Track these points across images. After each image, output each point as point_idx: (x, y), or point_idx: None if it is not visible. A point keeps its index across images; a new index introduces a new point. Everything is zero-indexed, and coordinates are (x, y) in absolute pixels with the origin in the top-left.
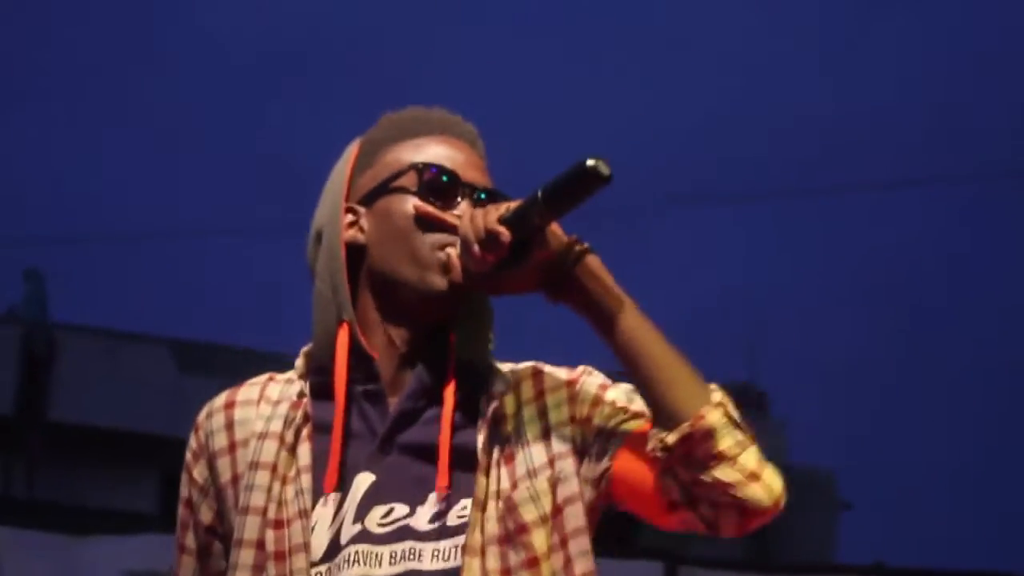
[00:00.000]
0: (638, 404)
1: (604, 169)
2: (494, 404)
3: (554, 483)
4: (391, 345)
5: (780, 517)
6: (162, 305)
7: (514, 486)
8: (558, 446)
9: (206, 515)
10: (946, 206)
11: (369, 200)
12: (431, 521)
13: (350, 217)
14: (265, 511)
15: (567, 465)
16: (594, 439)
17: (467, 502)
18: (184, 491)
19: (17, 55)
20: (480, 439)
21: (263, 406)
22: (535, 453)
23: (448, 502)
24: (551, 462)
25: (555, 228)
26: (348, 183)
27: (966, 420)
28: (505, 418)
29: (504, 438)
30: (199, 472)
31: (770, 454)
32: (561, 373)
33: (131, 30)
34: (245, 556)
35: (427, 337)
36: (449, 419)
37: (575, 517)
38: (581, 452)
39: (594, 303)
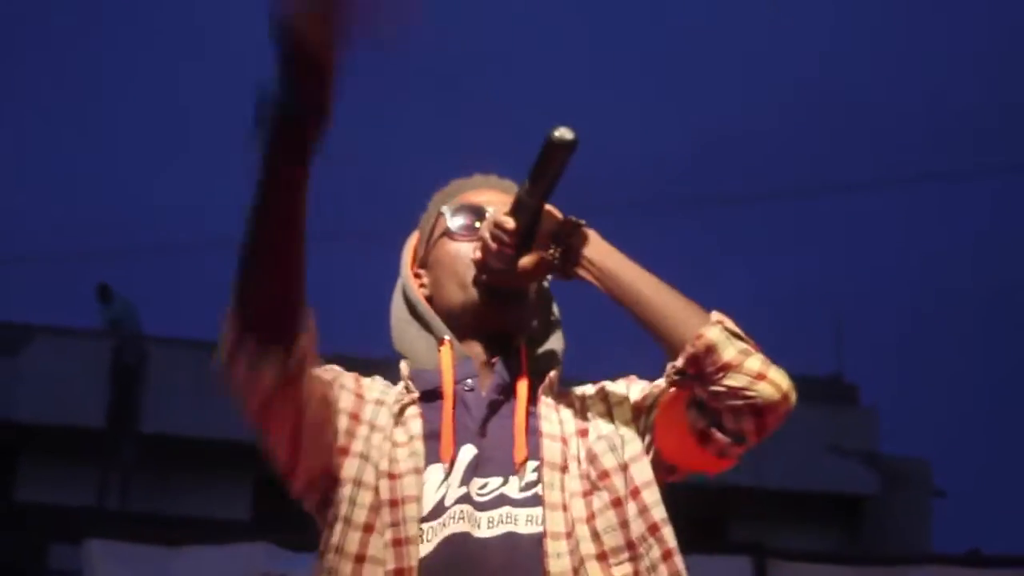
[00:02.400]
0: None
1: (568, 135)
2: (562, 393)
3: (621, 439)
4: (474, 357)
5: (874, 506)
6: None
7: (590, 448)
8: (619, 417)
9: (342, 396)
10: None
11: (425, 260)
12: (523, 490)
13: (418, 280)
14: (377, 464)
15: (628, 431)
16: (642, 416)
17: (550, 470)
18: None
19: (107, 75)
20: (554, 417)
21: (379, 384)
22: (602, 424)
23: (538, 474)
24: (615, 428)
25: (552, 210)
26: (413, 257)
27: None
28: (573, 404)
29: (574, 417)
30: (342, 383)
31: (862, 444)
32: (618, 380)
33: (191, 45)
34: (364, 496)
35: (501, 346)
36: (523, 405)
37: (641, 472)
38: (635, 424)
39: (596, 269)
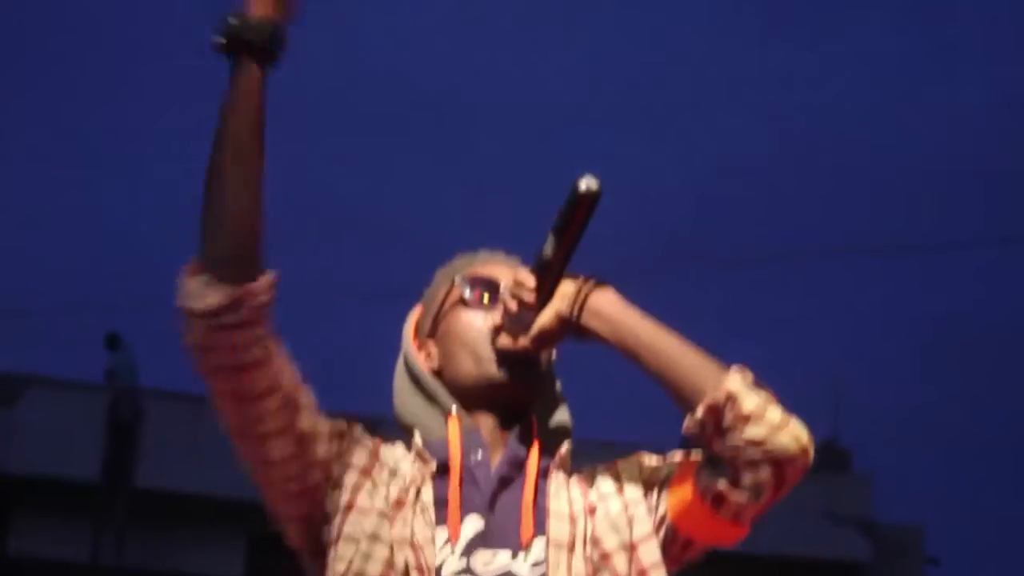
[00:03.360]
0: (681, 456)
1: (594, 184)
2: (573, 469)
3: (630, 520)
4: (483, 430)
5: (869, 573)
6: None
7: (594, 528)
8: (630, 495)
9: (331, 451)
10: None
11: (432, 330)
12: (534, 566)
13: (423, 352)
14: (393, 524)
15: (639, 509)
16: (654, 492)
17: (556, 550)
18: (356, 431)
19: (120, 128)
20: (564, 495)
21: (397, 449)
22: (612, 502)
23: (546, 552)
24: (625, 508)
25: (570, 273)
26: (416, 331)
27: None
28: (584, 480)
29: (584, 493)
30: (355, 433)
31: (856, 511)
32: (631, 454)
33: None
34: (380, 551)
35: (511, 422)
36: (533, 480)
37: (649, 553)
38: (647, 501)
39: (614, 325)
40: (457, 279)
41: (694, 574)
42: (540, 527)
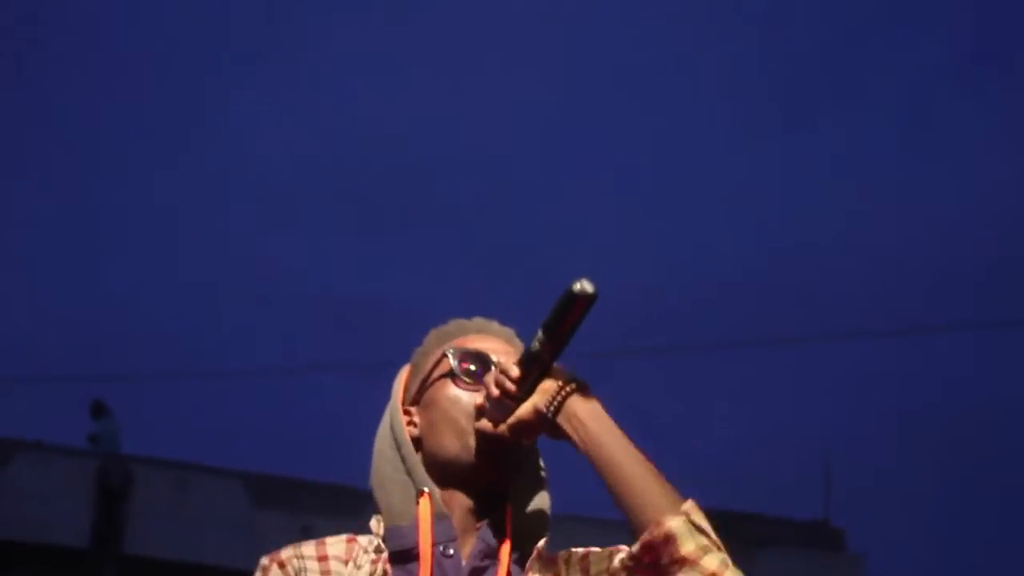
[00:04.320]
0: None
1: (589, 288)
2: (546, 560)
3: None
4: (456, 512)
5: None
6: (235, 438)
7: None
8: None
9: None
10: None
11: (418, 397)
12: None
13: (407, 418)
14: None
15: None
16: None
17: None
18: None
19: (119, 201)
20: None
21: (351, 567)
22: None
23: None
24: None
25: (557, 366)
26: (404, 392)
27: None
28: (558, 573)
29: None
30: None
31: None
32: (604, 549)
33: (210, 167)
34: None
35: (488, 505)
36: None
37: None
38: None
39: (584, 431)
40: (449, 351)
41: None
42: None
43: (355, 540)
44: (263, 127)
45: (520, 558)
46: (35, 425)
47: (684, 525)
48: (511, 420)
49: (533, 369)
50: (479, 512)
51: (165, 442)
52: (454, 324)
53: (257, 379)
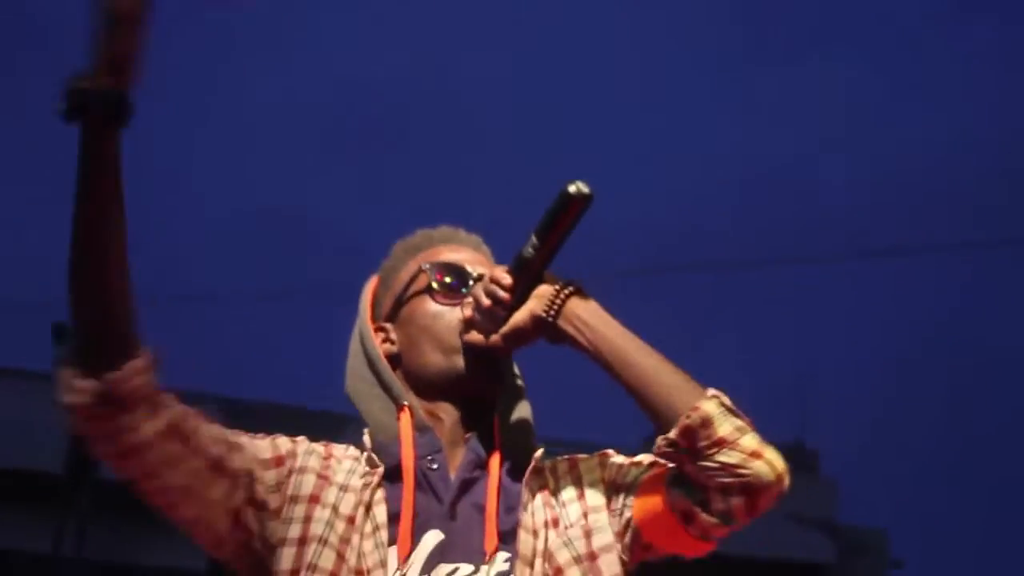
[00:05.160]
0: (651, 461)
1: (584, 189)
2: (535, 474)
3: (587, 531)
4: (442, 424)
5: (833, 574)
6: (211, 363)
7: (550, 544)
8: (592, 501)
9: (272, 479)
10: (1004, 268)
11: (393, 314)
12: None
13: (381, 335)
14: (344, 557)
15: (601, 518)
16: (619, 495)
17: (521, 565)
18: (287, 445)
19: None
20: (524, 504)
21: (346, 462)
22: (572, 510)
23: (510, 565)
24: (585, 515)
25: (549, 273)
26: (371, 308)
27: (1018, 480)
28: (547, 486)
29: (546, 502)
30: (299, 458)
31: (820, 513)
32: (593, 454)
33: (192, 100)
34: None
35: (474, 417)
36: (495, 489)
37: (610, 565)
38: (610, 507)
39: (591, 333)
40: (424, 266)
41: (657, 574)
42: (504, 538)
43: (362, 448)
44: (248, 73)
45: (511, 469)
46: (5, 351)
47: (718, 408)
48: (506, 329)
49: (525, 276)
50: (466, 424)
51: None
52: (420, 235)
53: (235, 303)
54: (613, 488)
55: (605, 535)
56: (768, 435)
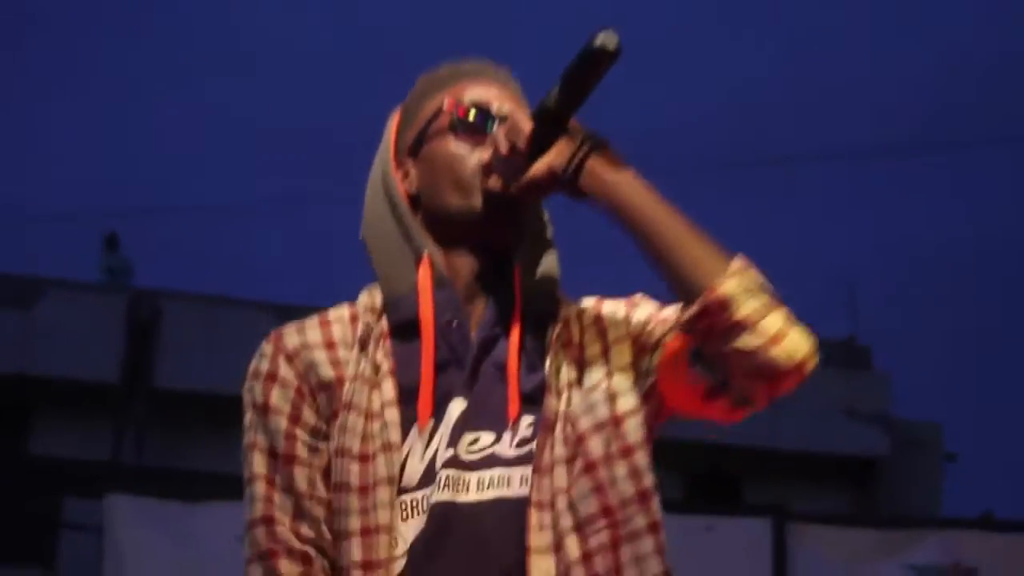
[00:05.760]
0: (676, 319)
1: (611, 43)
2: (559, 329)
3: (611, 395)
4: (460, 276)
5: (887, 469)
6: (262, 269)
7: (573, 407)
8: (616, 360)
9: (311, 418)
10: None
11: (414, 151)
12: (518, 446)
13: (400, 171)
14: (349, 444)
15: (624, 379)
16: (645, 356)
17: (544, 430)
18: (281, 404)
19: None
20: (548, 363)
21: (356, 351)
22: (595, 371)
23: (534, 428)
24: (609, 375)
25: (575, 123)
26: (395, 144)
27: None
28: (571, 342)
29: (571, 360)
30: (304, 388)
31: (874, 407)
32: (620, 300)
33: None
34: (338, 499)
35: (494, 268)
36: (516, 348)
37: (635, 430)
38: (635, 368)
39: (610, 188)
40: (446, 104)
41: (719, 468)
42: (528, 400)
43: (356, 312)
44: None
45: (534, 323)
46: (58, 263)
47: (739, 286)
48: (523, 180)
49: (546, 125)
50: (485, 275)
51: (193, 275)
52: (446, 68)
53: (278, 210)
54: (639, 347)
55: (629, 398)
56: (820, 331)
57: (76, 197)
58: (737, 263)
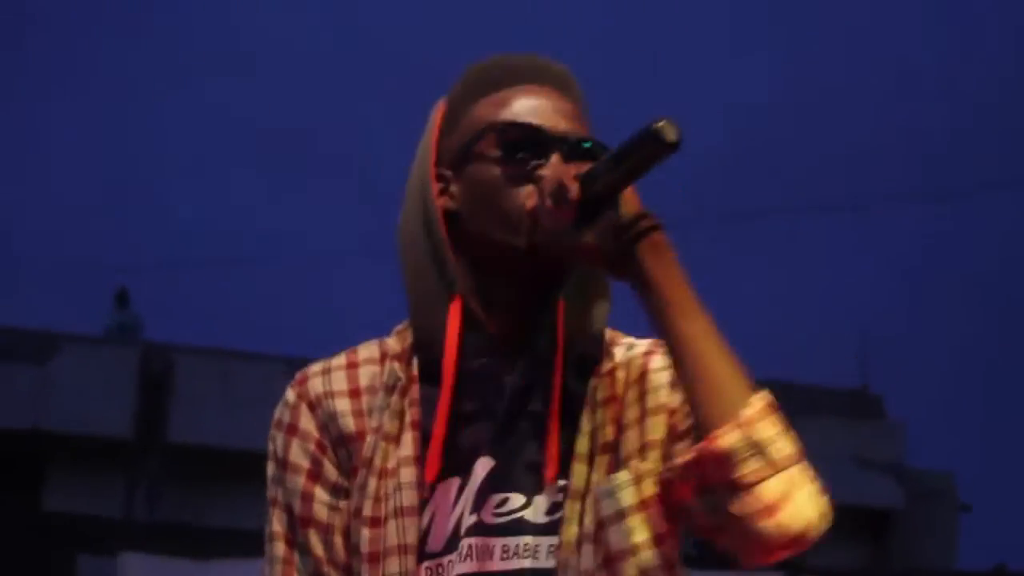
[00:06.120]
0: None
1: (670, 135)
2: (604, 379)
3: (638, 477)
4: (500, 314)
5: (901, 520)
6: (275, 324)
7: (599, 485)
8: (650, 432)
9: (331, 474)
10: None
11: (456, 165)
12: (548, 513)
13: (441, 184)
14: (363, 510)
15: (654, 460)
16: (674, 443)
17: (573, 499)
18: (300, 460)
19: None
20: (584, 423)
21: (381, 396)
22: (629, 440)
23: (564, 493)
24: (641, 451)
25: (630, 196)
26: (436, 147)
27: None
28: (614, 397)
29: (611, 420)
30: (325, 442)
31: (888, 457)
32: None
33: (232, 52)
34: (355, 562)
35: (536, 306)
36: (557, 399)
37: (663, 516)
38: (664, 451)
39: (651, 283)
40: (498, 129)
41: None
42: (563, 459)
43: (386, 351)
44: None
45: (576, 368)
46: (71, 318)
47: (742, 440)
48: (565, 245)
49: (594, 192)
50: (525, 310)
51: (205, 330)
52: (496, 64)
53: (296, 264)
54: (671, 428)
55: (653, 486)
56: (833, 381)
57: (89, 249)
58: (753, 409)
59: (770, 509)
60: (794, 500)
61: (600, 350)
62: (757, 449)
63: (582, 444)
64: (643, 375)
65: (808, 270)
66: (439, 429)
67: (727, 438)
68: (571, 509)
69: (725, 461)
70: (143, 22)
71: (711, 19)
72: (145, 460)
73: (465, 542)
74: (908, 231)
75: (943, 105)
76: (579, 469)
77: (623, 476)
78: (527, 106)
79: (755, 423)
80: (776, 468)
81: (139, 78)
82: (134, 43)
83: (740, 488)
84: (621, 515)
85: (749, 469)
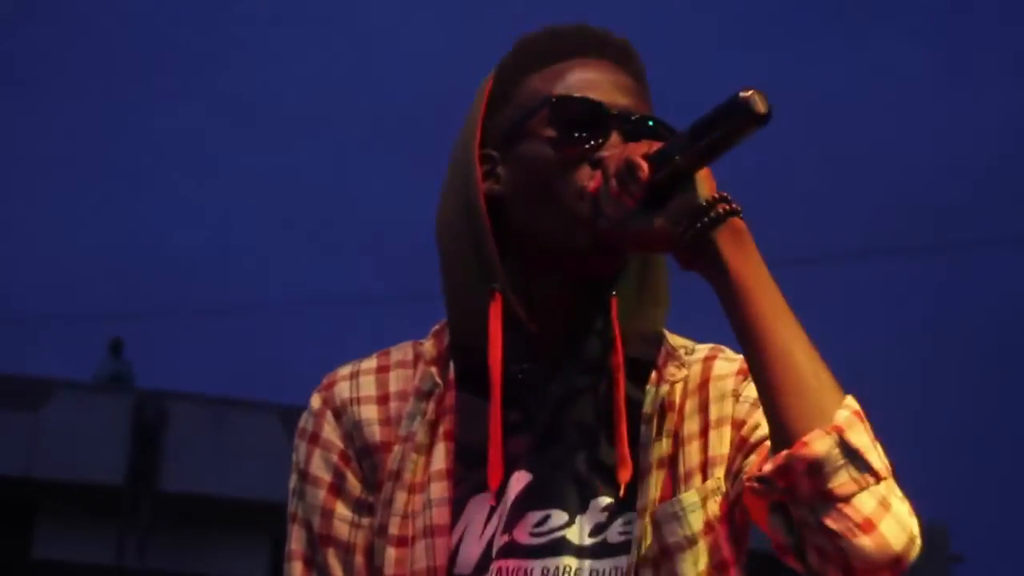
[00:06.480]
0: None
1: (760, 106)
2: (663, 391)
3: (704, 496)
4: (545, 313)
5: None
6: (267, 371)
7: (667, 497)
8: (714, 447)
9: (354, 488)
10: None
11: (504, 145)
12: (592, 534)
13: (486, 166)
14: (389, 528)
15: (718, 476)
16: (740, 455)
17: (632, 513)
18: (321, 472)
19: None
20: (642, 429)
21: (412, 403)
22: (692, 450)
23: (610, 514)
24: (703, 468)
25: (706, 177)
26: (482, 125)
27: None
28: (673, 408)
29: (669, 431)
30: (349, 454)
31: None
32: (735, 361)
33: (232, 101)
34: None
35: (587, 301)
36: (622, 401)
37: (727, 542)
38: (730, 466)
39: (730, 274)
40: (552, 103)
41: None
42: (606, 479)
43: (420, 353)
44: (288, 54)
45: (631, 373)
46: (63, 364)
47: (835, 448)
48: (630, 232)
49: (666, 173)
50: (575, 310)
51: (198, 378)
52: (549, 36)
53: (290, 311)
54: (740, 440)
55: (718, 501)
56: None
57: (82, 298)
58: (846, 412)
59: (869, 523)
60: (893, 515)
61: (656, 354)
62: (853, 457)
63: (638, 456)
64: (704, 383)
65: (800, 318)
66: (495, 436)
67: (820, 444)
68: (638, 530)
69: (819, 469)
70: (142, 73)
71: (711, 19)
72: (137, 508)
73: (495, 566)
74: (897, 283)
75: (935, 156)
76: (641, 486)
77: (691, 497)
78: (585, 80)
79: (848, 429)
80: (875, 478)
81: (135, 128)
82: (134, 92)
83: (836, 499)
84: (692, 541)
85: (846, 478)
